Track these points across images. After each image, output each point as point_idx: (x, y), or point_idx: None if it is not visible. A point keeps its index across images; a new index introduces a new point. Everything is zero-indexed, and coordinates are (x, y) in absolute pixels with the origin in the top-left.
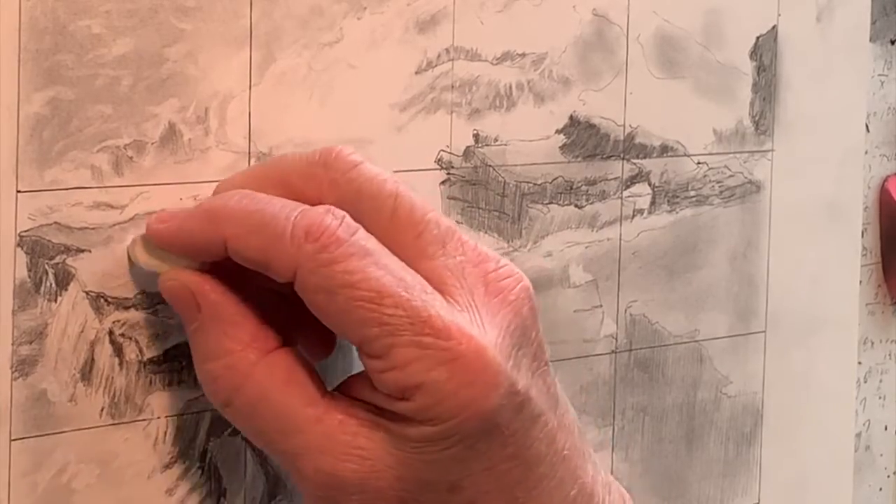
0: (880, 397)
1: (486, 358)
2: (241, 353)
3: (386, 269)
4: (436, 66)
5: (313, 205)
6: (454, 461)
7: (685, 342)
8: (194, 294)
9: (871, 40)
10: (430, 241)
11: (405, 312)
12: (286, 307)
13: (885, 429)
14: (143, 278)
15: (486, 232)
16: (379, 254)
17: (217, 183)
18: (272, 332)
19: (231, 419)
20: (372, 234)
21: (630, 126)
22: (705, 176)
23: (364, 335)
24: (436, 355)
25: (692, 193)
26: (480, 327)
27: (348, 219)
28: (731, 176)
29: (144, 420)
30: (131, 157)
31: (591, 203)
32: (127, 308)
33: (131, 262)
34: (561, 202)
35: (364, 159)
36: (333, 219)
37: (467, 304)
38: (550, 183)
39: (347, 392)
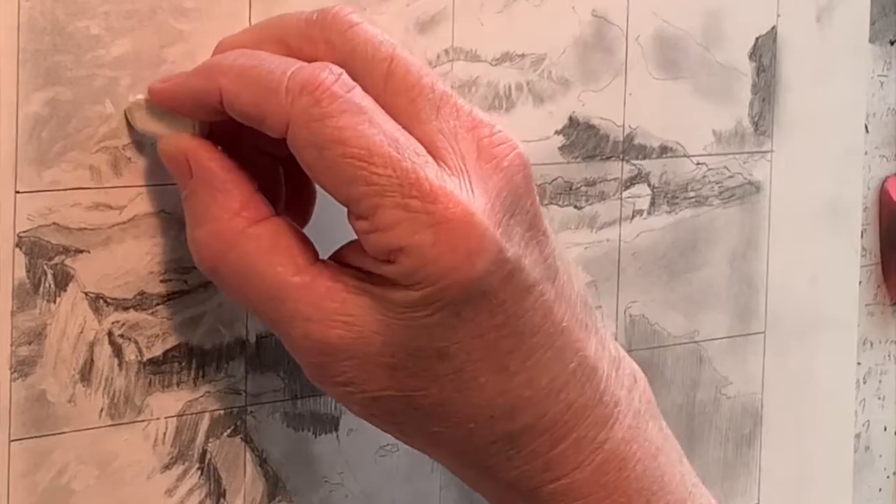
0: (880, 398)
1: (473, 223)
2: (228, 221)
3: (379, 129)
4: (435, 66)
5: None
6: (440, 327)
7: (685, 343)
8: (188, 159)
9: (870, 41)
10: (424, 105)
11: (394, 173)
12: (280, 175)
13: (885, 429)
14: (141, 139)
15: None
16: (373, 112)
17: None
18: (263, 201)
19: (219, 287)
20: None
21: (629, 127)
22: (705, 176)
23: (351, 194)
24: (421, 219)
25: (692, 194)
26: (469, 193)
27: (345, 76)
28: (730, 176)
29: (144, 421)
30: (130, 158)
31: (590, 204)
32: (126, 309)
33: (130, 127)
34: (560, 203)
35: (363, 20)
36: (330, 74)
37: (458, 170)
38: (550, 184)
39: (339, 259)
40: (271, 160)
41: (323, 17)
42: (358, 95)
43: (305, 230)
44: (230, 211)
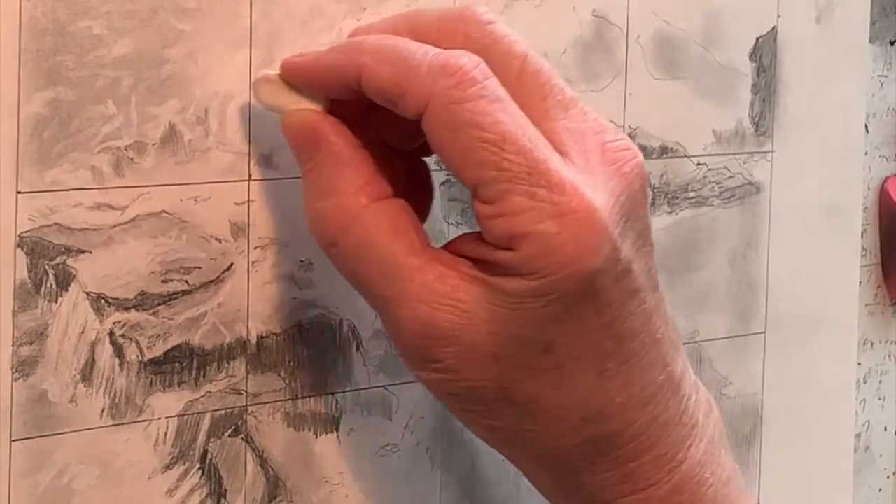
0: (880, 398)
1: (595, 217)
2: (353, 195)
3: (513, 118)
4: None
5: None
6: (549, 320)
7: (685, 343)
8: (316, 132)
9: (870, 41)
10: (554, 104)
11: (525, 161)
12: (400, 170)
13: (885, 429)
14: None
15: None
16: (508, 102)
17: (221, 183)
18: (385, 181)
19: (334, 261)
20: None
21: (630, 127)
22: (705, 177)
23: (480, 177)
24: (547, 208)
25: (692, 194)
26: (593, 189)
27: (483, 64)
28: (730, 177)
29: (145, 421)
30: (132, 158)
31: None
32: (127, 309)
33: (257, 100)
34: None
35: (498, 19)
36: (469, 60)
37: (583, 167)
38: None
39: (451, 249)
40: (390, 153)
41: (461, 13)
42: (495, 84)
43: None
44: (354, 185)
